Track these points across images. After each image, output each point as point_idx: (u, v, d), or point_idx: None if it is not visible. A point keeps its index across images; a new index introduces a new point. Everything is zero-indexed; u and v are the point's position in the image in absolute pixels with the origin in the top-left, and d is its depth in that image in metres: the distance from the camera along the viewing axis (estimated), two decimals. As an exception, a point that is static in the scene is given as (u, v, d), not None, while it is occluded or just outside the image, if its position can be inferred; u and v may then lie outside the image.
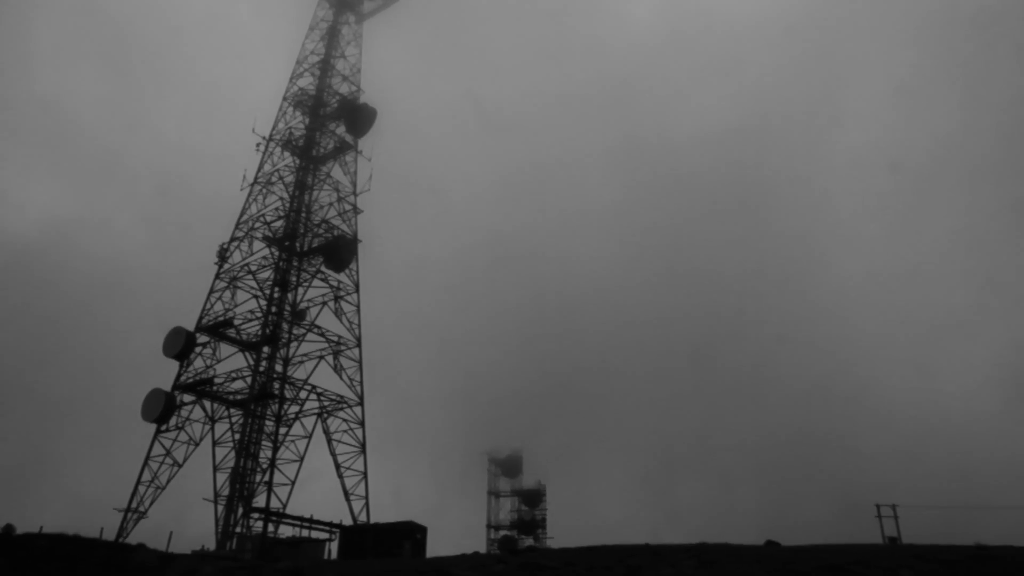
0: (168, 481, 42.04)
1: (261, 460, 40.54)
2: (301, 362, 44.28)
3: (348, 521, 41.69)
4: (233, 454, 41.17)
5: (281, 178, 47.64)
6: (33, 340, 78.99)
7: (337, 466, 43.23)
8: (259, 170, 48.24)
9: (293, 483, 40.87)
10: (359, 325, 46.18)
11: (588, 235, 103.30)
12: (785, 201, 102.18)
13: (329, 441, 43.69)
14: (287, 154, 48.39)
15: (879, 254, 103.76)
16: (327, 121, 49.45)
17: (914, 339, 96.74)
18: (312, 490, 43.69)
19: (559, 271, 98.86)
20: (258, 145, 48.21)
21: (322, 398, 43.90)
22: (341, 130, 49.55)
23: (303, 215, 46.47)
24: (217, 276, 45.93)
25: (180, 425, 43.20)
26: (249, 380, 42.71)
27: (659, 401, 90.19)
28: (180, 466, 42.41)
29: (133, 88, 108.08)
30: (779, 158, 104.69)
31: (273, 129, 49.19)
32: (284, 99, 50.23)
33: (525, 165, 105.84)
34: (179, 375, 43.84)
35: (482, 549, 56.21)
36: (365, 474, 43.67)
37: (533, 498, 71.98)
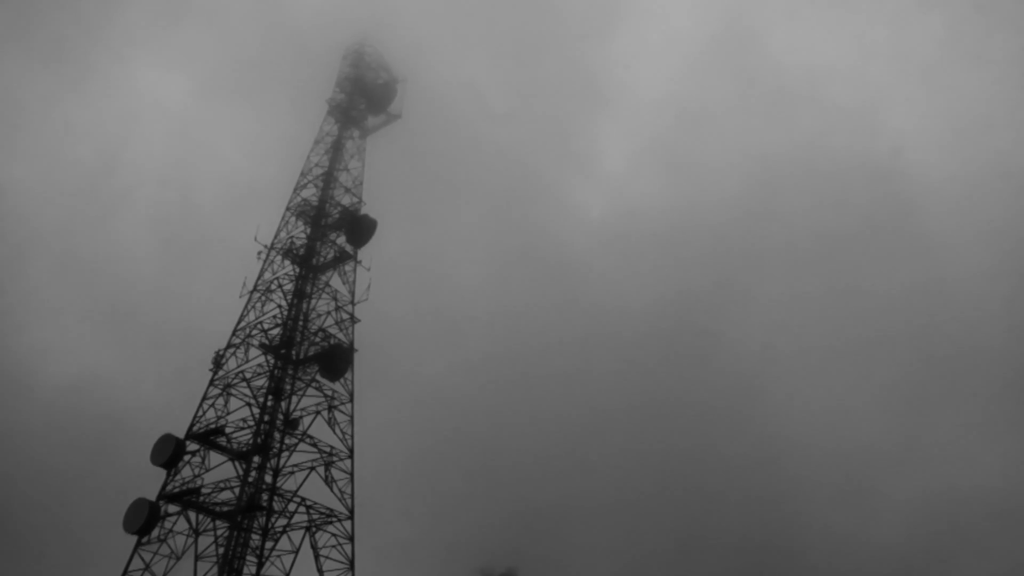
0: (146, 598, 40.31)
1: (245, 576, 39.00)
2: (292, 472, 43.27)
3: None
4: (216, 569, 39.62)
5: (280, 286, 47.99)
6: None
7: (323, 584, 41.60)
8: (259, 278, 48.69)
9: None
10: (352, 436, 45.46)
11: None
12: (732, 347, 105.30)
13: (317, 557, 42.19)
14: (287, 262, 48.92)
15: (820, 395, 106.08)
16: (328, 231, 50.27)
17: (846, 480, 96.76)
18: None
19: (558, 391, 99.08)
20: (259, 253, 48.93)
21: (311, 511, 42.68)
22: (341, 240, 50.30)
23: (300, 323, 46.51)
24: (211, 383, 45.52)
25: (163, 537, 41.70)
26: (237, 491, 41.59)
27: (650, 520, 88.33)
28: (160, 582, 40.72)
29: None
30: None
31: (275, 238, 49.98)
32: (287, 209, 51.22)
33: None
34: (165, 484, 42.71)
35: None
36: (352, 593, 41.97)
37: (527, 620, 69.02)
